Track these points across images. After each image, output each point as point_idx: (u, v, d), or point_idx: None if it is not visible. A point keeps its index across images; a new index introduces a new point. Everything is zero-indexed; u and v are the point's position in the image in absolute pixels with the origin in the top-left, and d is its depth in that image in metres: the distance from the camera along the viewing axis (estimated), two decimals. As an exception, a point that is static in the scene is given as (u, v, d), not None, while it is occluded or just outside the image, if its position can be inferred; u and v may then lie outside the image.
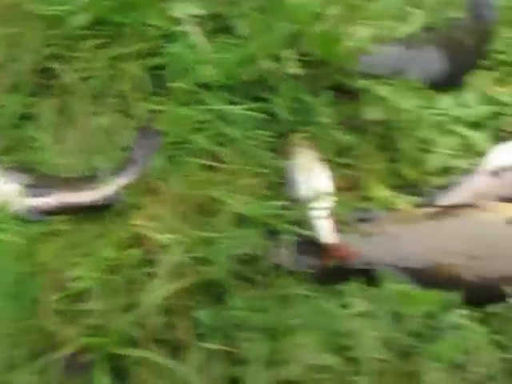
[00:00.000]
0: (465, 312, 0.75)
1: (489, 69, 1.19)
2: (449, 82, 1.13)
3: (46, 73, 1.01)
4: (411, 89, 1.04)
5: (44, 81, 1.01)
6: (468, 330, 0.73)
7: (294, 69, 0.95)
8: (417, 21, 1.20)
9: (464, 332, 0.73)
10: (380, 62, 1.10)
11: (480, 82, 1.14)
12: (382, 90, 1.00)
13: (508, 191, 0.95)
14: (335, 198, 0.90)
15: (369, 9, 1.15)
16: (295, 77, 0.95)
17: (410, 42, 1.16)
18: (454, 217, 0.89)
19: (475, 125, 1.06)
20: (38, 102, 1.00)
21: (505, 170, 0.96)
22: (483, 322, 0.77)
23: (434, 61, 1.14)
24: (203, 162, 0.92)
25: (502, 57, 1.20)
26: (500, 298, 0.79)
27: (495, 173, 0.96)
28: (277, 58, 0.95)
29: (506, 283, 0.80)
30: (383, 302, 0.77)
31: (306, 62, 0.97)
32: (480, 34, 1.24)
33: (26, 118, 0.98)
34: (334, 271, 0.84)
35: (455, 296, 0.76)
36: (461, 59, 1.18)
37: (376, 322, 0.73)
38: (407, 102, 1.02)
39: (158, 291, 0.75)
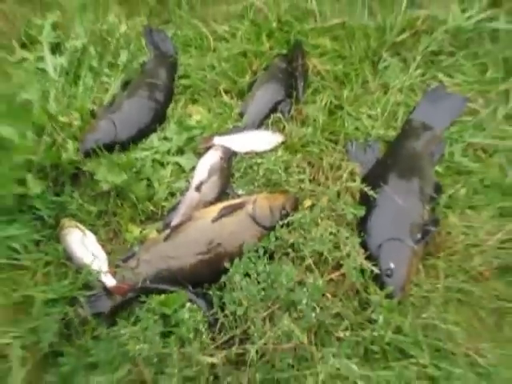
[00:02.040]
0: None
1: (180, 94, 1.62)
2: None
3: None
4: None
5: None
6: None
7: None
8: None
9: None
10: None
11: (176, 111, 1.58)
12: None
13: (209, 197, 1.44)
14: (105, 255, 1.34)
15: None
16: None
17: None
18: (180, 232, 1.36)
19: (180, 151, 1.51)
20: None
21: (203, 182, 1.45)
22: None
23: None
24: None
25: (185, 81, 1.63)
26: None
27: (197, 187, 1.44)
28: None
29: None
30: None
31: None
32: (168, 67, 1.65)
33: None
34: (119, 306, 1.30)
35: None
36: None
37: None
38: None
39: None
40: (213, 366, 1.14)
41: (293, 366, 1.09)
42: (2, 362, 1.20)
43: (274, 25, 1.64)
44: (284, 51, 1.65)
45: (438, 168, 1.49)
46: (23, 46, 1.67)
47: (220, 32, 1.66)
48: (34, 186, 1.30)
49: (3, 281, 1.30)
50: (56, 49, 1.63)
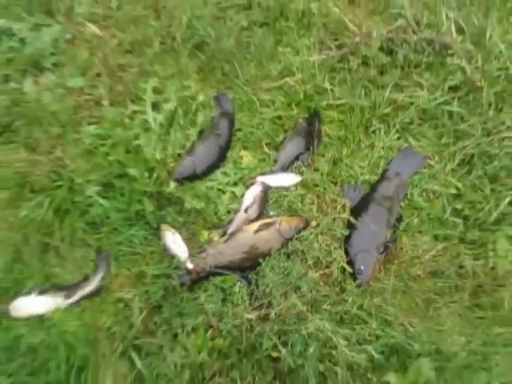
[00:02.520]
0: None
1: (235, 142, 2.44)
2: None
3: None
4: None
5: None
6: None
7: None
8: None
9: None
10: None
11: (232, 154, 2.41)
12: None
13: (252, 216, 2.28)
14: (186, 248, 2.21)
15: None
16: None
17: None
18: (235, 237, 2.22)
19: (235, 183, 2.35)
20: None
21: (249, 206, 2.29)
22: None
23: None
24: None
25: (240, 134, 2.46)
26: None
27: (245, 209, 2.29)
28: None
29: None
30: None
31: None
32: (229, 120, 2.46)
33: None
34: (195, 280, 2.17)
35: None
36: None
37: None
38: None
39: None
40: (249, 320, 2.00)
41: (295, 323, 1.96)
42: (127, 309, 2.09)
43: (301, 97, 2.44)
44: (306, 116, 2.45)
45: (402, 203, 2.30)
46: (132, 101, 2.50)
47: (264, 99, 2.46)
48: (148, 205, 2.17)
49: (126, 261, 2.18)
50: (155, 106, 2.45)
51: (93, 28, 2.53)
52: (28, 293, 2.09)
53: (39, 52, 2.49)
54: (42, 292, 2.10)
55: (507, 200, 2.15)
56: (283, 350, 1.87)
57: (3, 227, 2.16)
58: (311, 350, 1.86)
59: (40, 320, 2.04)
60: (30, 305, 2.07)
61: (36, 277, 2.13)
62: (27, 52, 2.49)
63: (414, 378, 1.81)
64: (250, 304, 2.02)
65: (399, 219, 2.21)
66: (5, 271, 2.12)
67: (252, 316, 1.95)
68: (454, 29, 2.43)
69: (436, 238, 2.18)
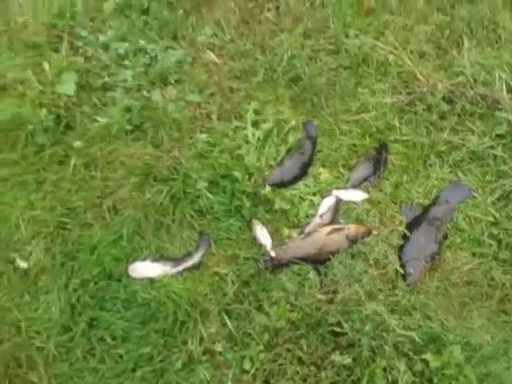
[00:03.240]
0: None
1: (316, 160, 3.02)
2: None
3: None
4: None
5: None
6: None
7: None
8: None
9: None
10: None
11: (313, 170, 2.98)
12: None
13: (326, 221, 2.82)
14: (271, 240, 2.76)
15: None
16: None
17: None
18: (311, 236, 2.76)
19: (313, 193, 2.92)
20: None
21: (324, 213, 2.85)
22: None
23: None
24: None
25: (320, 154, 3.04)
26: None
27: (321, 215, 2.85)
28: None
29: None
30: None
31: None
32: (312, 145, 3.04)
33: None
34: (276, 265, 2.72)
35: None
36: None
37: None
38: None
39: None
40: (319, 300, 2.55)
41: (356, 305, 2.49)
42: (221, 282, 2.64)
43: (374, 130, 3.01)
44: (376, 146, 3.02)
45: (448, 225, 2.84)
46: (236, 118, 3.10)
47: (343, 129, 3.03)
48: (246, 202, 2.74)
49: (223, 245, 2.73)
50: (255, 124, 3.04)
51: (211, 55, 3.14)
52: (143, 259, 2.62)
53: (166, 69, 3.09)
54: (154, 260, 2.62)
55: (534, 230, 2.66)
56: (345, 325, 2.39)
57: (130, 205, 2.72)
58: (367, 327, 2.37)
59: (151, 282, 2.55)
60: (144, 269, 2.59)
61: (150, 248, 2.66)
62: (157, 68, 3.10)
63: (447, 358, 2.29)
64: (321, 288, 2.55)
65: (445, 237, 2.71)
66: (127, 240, 2.66)
67: (322, 297, 2.48)
68: (504, 88, 2.96)
69: (474, 254, 2.65)
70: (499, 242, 2.68)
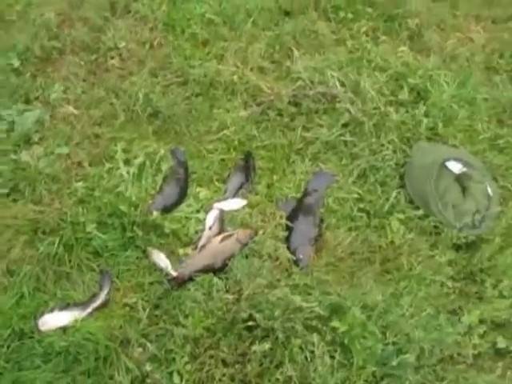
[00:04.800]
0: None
1: (191, 182, 3.22)
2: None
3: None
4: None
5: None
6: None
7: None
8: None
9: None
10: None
11: (191, 191, 3.18)
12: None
13: (215, 232, 3.00)
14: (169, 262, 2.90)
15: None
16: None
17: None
18: (205, 248, 2.92)
19: (198, 211, 3.11)
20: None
21: (211, 225, 3.04)
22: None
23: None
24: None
25: (195, 175, 3.24)
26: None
27: (209, 227, 3.04)
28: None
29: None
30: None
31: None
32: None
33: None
34: (180, 283, 2.84)
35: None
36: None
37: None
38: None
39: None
40: (227, 301, 2.72)
41: (262, 296, 2.70)
42: (132, 311, 2.74)
43: (236, 143, 3.29)
44: (242, 156, 3.28)
45: (322, 209, 3.15)
46: (107, 160, 3.22)
47: (209, 148, 3.29)
48: (138, 232, 2.88)
49: (125, 277, 2.82)
50: (127, 162, 3.17)
51: (69, 108, 3.26)
52: (51, 310, 2.61)
53: (27, 131, 3.16)
54: (61, 308, 2.62)
55: (393, 195, 3.06)
56: (257, 316, 2.56)
57: (25, 263, 2.72)
58: (277, 313, 2.55)
59: (64, 330, 2.55)
60: (54, 320, 2.58)
61: (55, 299, 2.67)
62: (18, 131, 3.16)
63: (351, 320, 2.55)
64: (226, 292, 2.72)
65: (322, 220, 3.02)
66: (30, 298, 2.65)
67: (229, 297, 2.64)
68: (338, 83, 3.39)
69: (350, 229, 2.97)
70: (368, 213, 3.04)
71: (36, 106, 3.36)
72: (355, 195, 3.08)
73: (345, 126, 3.28)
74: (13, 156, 3.05)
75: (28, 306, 2.65)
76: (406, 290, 2.78)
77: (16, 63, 3.50)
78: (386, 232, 2.96)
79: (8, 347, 2.52)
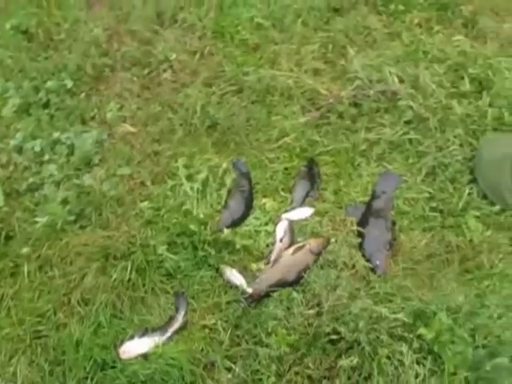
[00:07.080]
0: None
1: (255, 193, 3.17)
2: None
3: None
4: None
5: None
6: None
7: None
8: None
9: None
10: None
11: (257, 202, 3.13)
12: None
13: (286, 244, 2.96)
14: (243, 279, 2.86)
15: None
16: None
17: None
18: (278, 261, 2.88)
19: (266, 223, 3.05)
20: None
21: (282, 237, 2.99)
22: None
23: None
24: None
25: (258, 186, 3.19)
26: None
27: (280, 239, 2.99)
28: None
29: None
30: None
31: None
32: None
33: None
34: (257, 300, 2.80)
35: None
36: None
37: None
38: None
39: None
40: (308, 316, 2.67)
41: (343, 309, 2.63)
42: (212, 332, 2.70)
43: (298, 150, 3.22)
44: (306, 163, 3.21)
45: (392, 212, 3.07)
46: (169, 178, 3.19)
47: (271, 157, 3.23)
48: (210, 250, 2.84)
49: (201, 297, 2.79)
50: (190, 178, 3.12)
51: (126, 126, 3.24)
52: (131, 338, 2.61)
53: (87, 153, 3.15)
54: (141, 335, 2.62)
55: (466, 192, 2.96)
56: (341, 329, 2.51)
57: (99, 291, 2.71)
58: (361, 325, 2.50)
59: (145, 357, 2.55)
60: (134, 347, 2.58)
61: (132, 325, 2.67)
62: (78, 154, 3.15)
63: (438, 326, 2.49)
64: (306, 305, 2.66)
65: (394, 223, 2.95)
66: (108, 327, 2.65)
67: (310, 312, 2.60)
68: (396, 80, 3.29)
69: (424, 230, 2.89)
70: (441, 211, 2.95)
71: (93, 126, 3.35)
72: (426, 194, 3.00)
73: (408, 123, 3.19)
74: (75, 181, 3.05)
75: (107, 335, 2.64)
76: (488, 288, 2.68)
77: (69, 84, 3.50)
78: (463, 231, 2.86)
79: (92, 379, 2.52)
